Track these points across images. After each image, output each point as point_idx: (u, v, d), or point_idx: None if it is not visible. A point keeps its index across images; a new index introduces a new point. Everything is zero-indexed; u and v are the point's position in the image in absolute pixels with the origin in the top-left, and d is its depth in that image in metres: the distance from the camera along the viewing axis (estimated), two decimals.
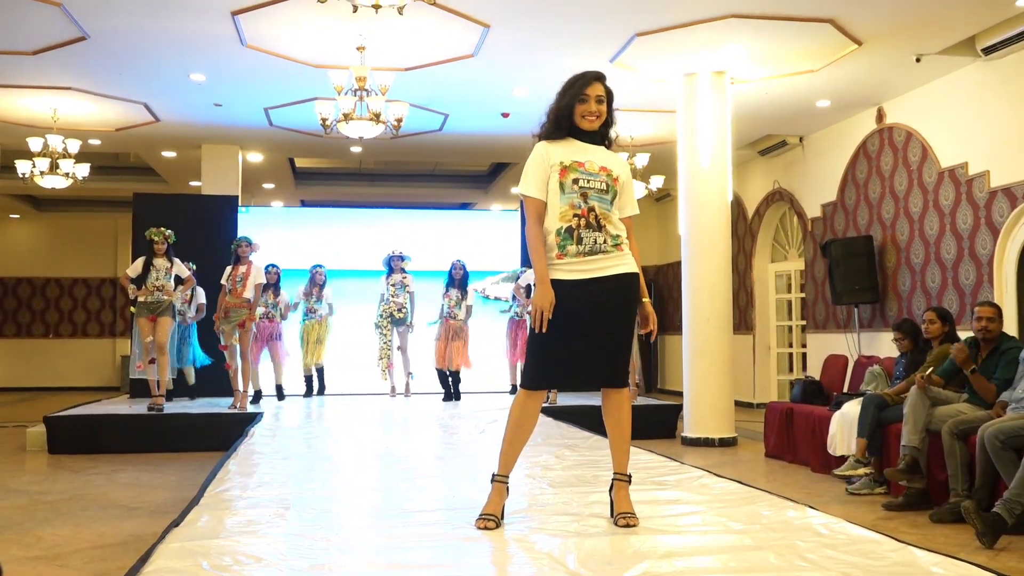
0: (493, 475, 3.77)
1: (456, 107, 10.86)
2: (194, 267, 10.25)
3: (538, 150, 3.72)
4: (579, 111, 3.73)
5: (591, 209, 3.61)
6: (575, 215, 3.60)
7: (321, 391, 11.26)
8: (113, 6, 7.64)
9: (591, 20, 7.97)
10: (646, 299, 3.76)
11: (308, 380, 11.22)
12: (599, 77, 3.76)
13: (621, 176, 3.74)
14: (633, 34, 8.25)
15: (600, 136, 3.79)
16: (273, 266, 10.60)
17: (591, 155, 3.71)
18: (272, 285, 10.53)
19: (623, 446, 3.73)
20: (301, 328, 11.06)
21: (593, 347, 3.62)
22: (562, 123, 3.75)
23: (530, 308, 3.77)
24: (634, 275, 3.67)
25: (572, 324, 3.59)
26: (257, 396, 10.19)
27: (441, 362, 10.79)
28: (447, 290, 10.87)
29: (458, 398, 10.78)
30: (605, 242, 3.62)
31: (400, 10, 7.26)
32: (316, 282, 11.04)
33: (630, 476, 3.76)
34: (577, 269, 3.61)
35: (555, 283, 3.60)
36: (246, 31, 8.22)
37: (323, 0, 6.85)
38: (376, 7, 7.13)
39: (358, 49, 8.42)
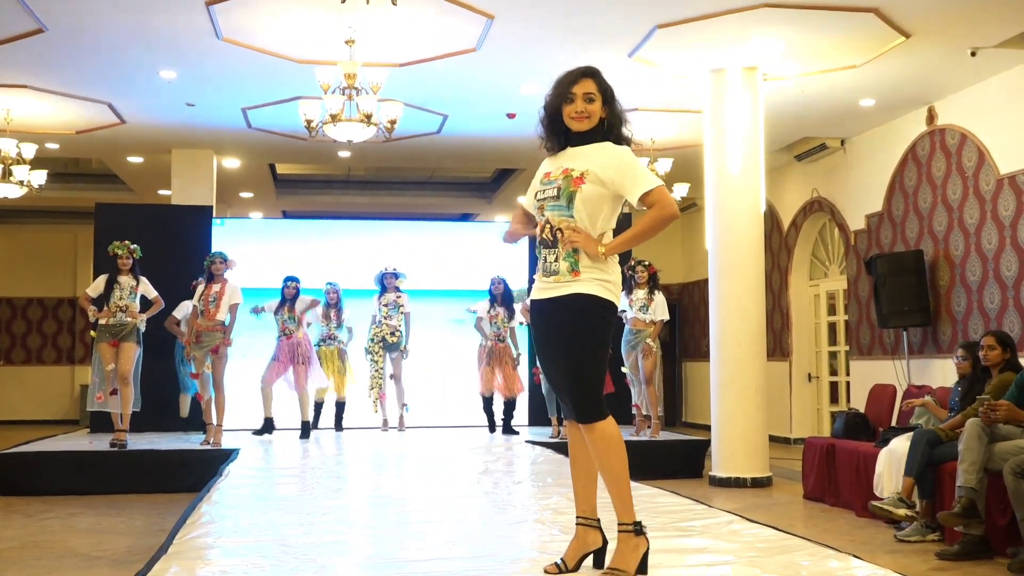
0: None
1: (456, 107, 10.86)
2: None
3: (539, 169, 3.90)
4: (567, 112, 3.77)
5: (547, 223, 3.71)
6: (539, 231, 3.76)
7: (338, 426, 11.05)
8: None
9: (607, 10, 7.95)
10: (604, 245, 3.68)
11: (317, 410, 10.91)
12: (588, 73, 3.79)
13: (599, 169, 3.68)
14: (654, 26, 8.26)
15: (601, 138, 3.80)
16: (292, 279, 10.59)
17: (566, 160, 3.77)
18: (289, 301, 10.52)
19: (613, 488, 3.67)
20: (317, 355, 10.81)
21: (551, 377, 3.81)
22: (554, 128, 3.83)
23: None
24: (583, 296, 3.63)
25: (536, 349, 3.86)
26: (269, 425, 10.14)
27: (488, 388, 10.79)
28: (492, 307, 10.79)
29: (513, 431, 10.72)
30: (556, 261, 3.68)
31: (394, 0, 7.35)
32: (331, 303, 10.93)
33: (637, 524, 3.67)
34: (537, 288, 3.79)
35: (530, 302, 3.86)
36: (222, 23, 8.20)
37: None
38: None
39: (347, 43, 8.40)
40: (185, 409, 10.70)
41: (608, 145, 3.77)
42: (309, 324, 10.69)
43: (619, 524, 3.67)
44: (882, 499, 6.79)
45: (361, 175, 16.43)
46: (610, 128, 3.80)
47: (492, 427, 10.87)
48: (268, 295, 10.81)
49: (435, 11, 7.97)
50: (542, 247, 3.72)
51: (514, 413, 10.89)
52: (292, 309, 10.33)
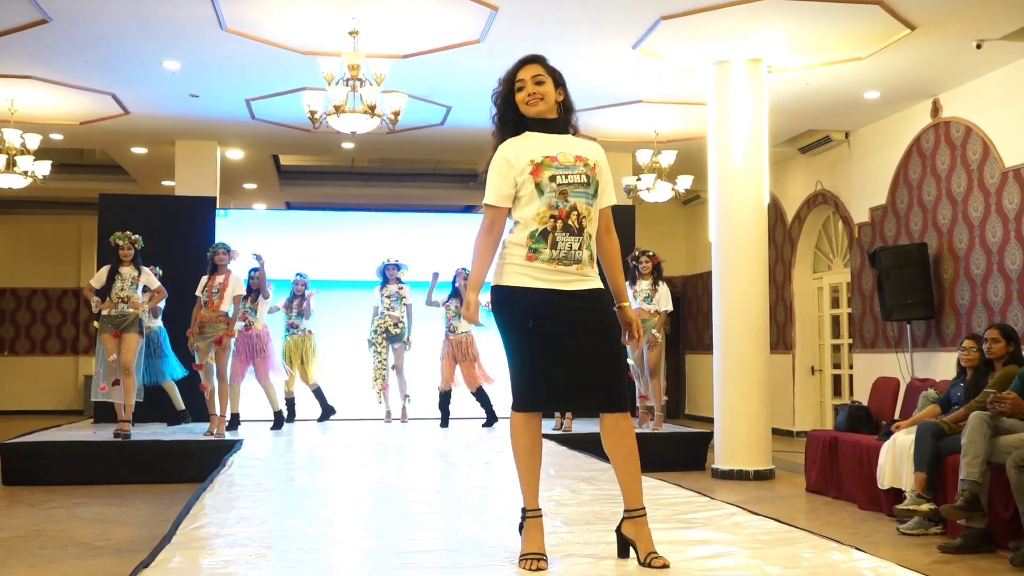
0: (523, 511, 3.78)
1: (460, 98, 10.87)
2: (160, 271, 10.28)
3: (500, 154, 3.76)
4: (519, 100, 3.78)
5: (572, 209, 3.64)
6: (552, 216, 3.63)
7: (326, 415, 11.06)
8: None
9: (611, 2, 7.97)
10: (626, 303, 3.82)
11: (290, 404, 10.99)
12: (533, 59, 3.82)
13: (600, 163, 3.77)
14: (658, 18, 8.27)
15: (562, 124, 3.82)
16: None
17: (561, 145, 3.74)
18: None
19: (635, 476, 3.74)
20: (283, 346, 10.90)
21: (579, 368, 3.65)
22: (508, 118, 3.82)
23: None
24: (603, 291, 3.73)
25: (548, 340, 3.64)
26: (234, 421, 10.04)
27: (447, 383, 10.72)
28: (448, 300, 10.77)
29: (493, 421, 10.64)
30: (580, 249, 3.65)
31: None
32: (296, 293, 10.96)
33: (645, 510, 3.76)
34: (547, 278, 3.64)
35: (523, 290, 3.64)
36: (226, 14, 8.22)
37: None
38: None
39: (351, 34, 8.44)
40: (179, 400, 10.64)
41: (592, 143, 3.84)
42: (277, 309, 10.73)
43: (637, 510, 3.73)
44: (900, 503, 6.72)
45: (365, 167, 16.42)
46: (567, 111, 3.83)
47: (445, 422, 10.72)
48: (276, 285, 10.79)
49: (439, 3, 7.99)
50: (565, 233, 3.61)
51: (490, 402, 10.71)
52: (256, 301, 10.26)
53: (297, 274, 11.05)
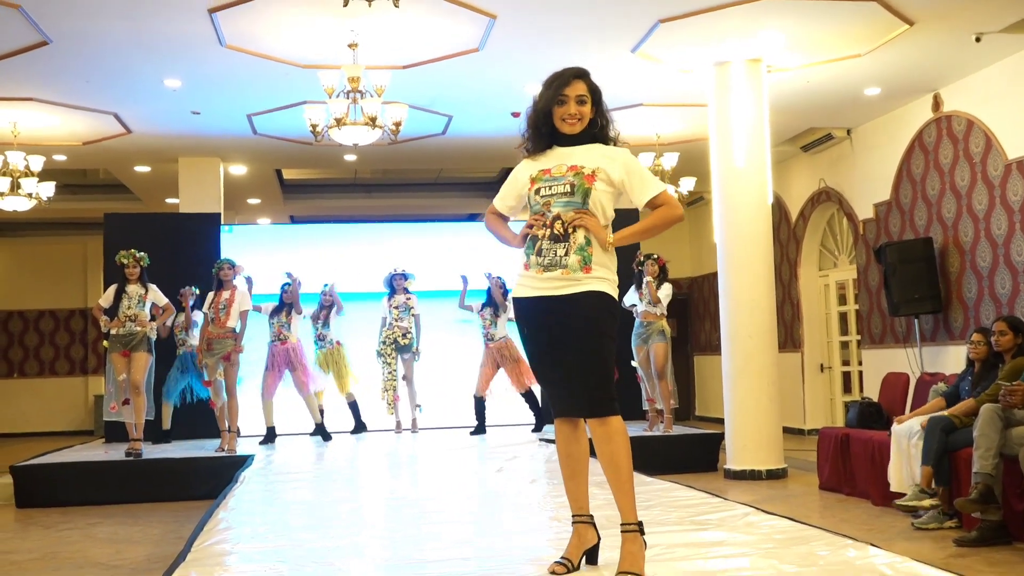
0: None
1: (461, 107, 10.87)
2: (196, 291, 10.36)
3: (516, 170, 3.94)
4: (558, 114, 3.79)
5: (556, 218, 3.70)
6: (542, 225, 3.74)
7: (358, 429, 11.00)
8: (78, 7, 7.69)
9: (609, 6, 7.95)
10: (612, 236, 3.78)
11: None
12: (579, 74, 3.80)
13: (607, 168, 3.75)
14: (656, 21, 8.25)
15: (591, 139, 3.84)
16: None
17: (567, 158, 3.79)
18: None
19: (620, 486, 3.67)
20: (315, 359, 10.89)
21: (564, 372, 3.70)
22: (542, 129, 3.83)
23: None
24: (597, 294, 3.68)
25: (538, 346, 3.77)
26: (270, 434, 10.18)
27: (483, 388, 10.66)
28: (482, 308, 10.75)
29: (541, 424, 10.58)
30: (567, 255, 3.67)
31: (396, 2, 7.34)
32: (324, 304, 10.97)
33: (640, 525, 3.68)
34: (536, 285, 3.72)
35: (519, 300, 3.80)
36: (225, 30, 8.22)
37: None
38: (369, 1, 7.25)
39: (350, 46, 8.42)
40: (167, 420, 10.69)
41: (601, 146, 3.83)
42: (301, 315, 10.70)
43: (624, 524, 3.67)
44: (903, 495, 6.76)
45: (367, 178, 16.41)
46: (601, 129, 3.84)
47: (481, 429, 10.65)
48: (272, 299, 10.76)
49: (437, 12, 7.97)
50: (551, 241, 3.68)
51: (539, 404, 10.61)
52: (289, 315, 10.36)
53: (324, 285, 11.03)
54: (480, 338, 10.80)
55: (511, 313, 10.26)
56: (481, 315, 10.75)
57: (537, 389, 10.54)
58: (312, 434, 10.60)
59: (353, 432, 11.01)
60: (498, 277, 10.65)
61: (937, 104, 10.57)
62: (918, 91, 10.59)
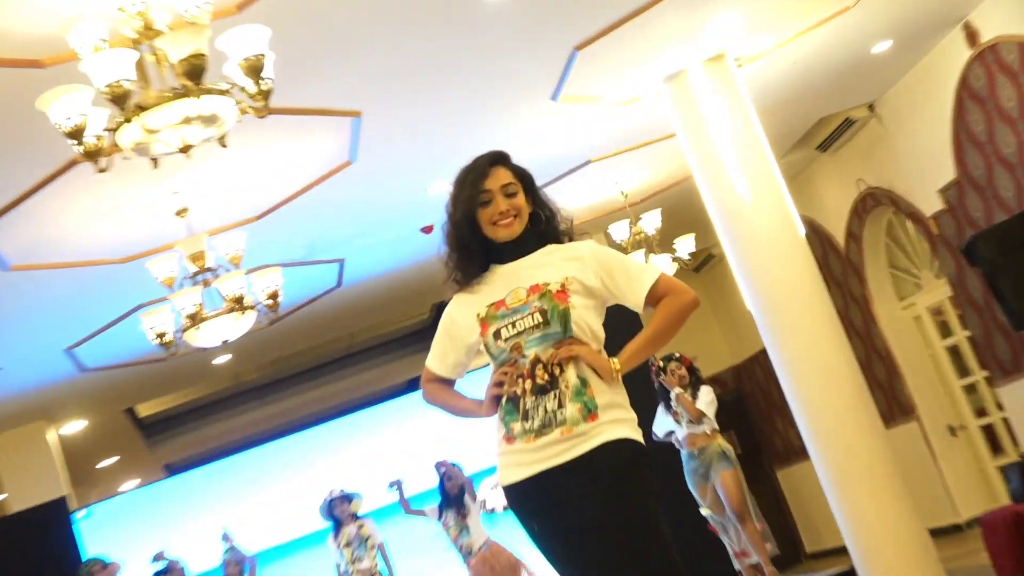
0: None
1: (351, 244, 9.52)
2: None
3: (449, 312, 3.38)
4: (484, 218, 3.23)
5: (535, 362, 3.14)
6: (516, 377, 3.16)
7: None
8: None
9: (508, 50, 7.00)
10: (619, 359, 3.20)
11: None
12: (497, 159, 3.31)
13: (578, 275, 3.23)
14: (571, 50, 7.21)
15: (538, 240, 3.29)
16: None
17: (518, 278, 3.25)
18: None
19: None
20: None
21: (601, 567, 3.08)
22: (470, 246, 3.27)
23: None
24: (616, 443, 3.12)
25: (558, 540, 3.17)
26: None
27: None
28: (441, 513, 9.04)
29: None
30: (561, 408, 3.12)
31: (222, 141, 5.87)
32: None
33: None
34: (529, 460, 3.13)
35: (513, 488, 3.20)
36: (4, 249, 7.29)
37: (102, 169, 5.54)
38: (185, 150, 5.69)
39: (178, 214, 7.40)
40: None
41: (556, 247, 3.30)
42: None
43: None
44: None
45: (254, 380, 14.58)
46: (547, 223, 3.30)
47: None
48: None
49: (284, 132, 6.99)
50: (535, 395, 3.10)
51: None
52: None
53: (222, 537, 9.50)
54: (456, 556, 9.12)
55: (484, 502, 9.19)
56: (444, 523, 9.08)
57: None
58: None
59: None
60: (453, 464, 9.13)
61: (972, 35, 9.10)
62: (942, 26, 9.18)
